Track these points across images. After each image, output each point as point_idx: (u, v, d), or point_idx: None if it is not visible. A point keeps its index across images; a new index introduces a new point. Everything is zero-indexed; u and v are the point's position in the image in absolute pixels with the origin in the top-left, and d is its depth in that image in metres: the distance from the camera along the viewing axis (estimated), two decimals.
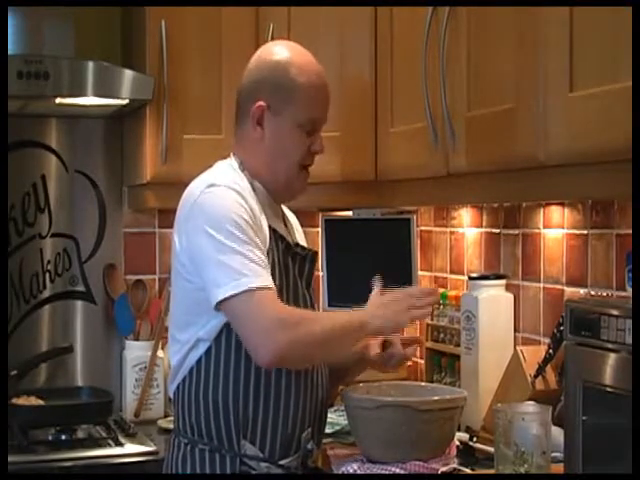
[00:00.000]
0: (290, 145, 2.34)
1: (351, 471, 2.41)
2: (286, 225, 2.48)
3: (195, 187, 2.28)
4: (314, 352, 2.25)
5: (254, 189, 2.33)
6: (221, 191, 2.23)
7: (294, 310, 2.24)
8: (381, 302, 2.31)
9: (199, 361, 2.26)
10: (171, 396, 2.39)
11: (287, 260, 2.34)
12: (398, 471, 2.35)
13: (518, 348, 2.74)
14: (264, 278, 2.18)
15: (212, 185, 2.24)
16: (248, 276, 2.16)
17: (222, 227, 2.18)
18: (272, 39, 2.99)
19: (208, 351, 2.25)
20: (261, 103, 2.33)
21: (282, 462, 2.27)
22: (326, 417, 2.43)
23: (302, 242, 2.49)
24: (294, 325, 2.17)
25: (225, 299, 2.16)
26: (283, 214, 2.49)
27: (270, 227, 2.30)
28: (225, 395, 2.24)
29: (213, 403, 2.25)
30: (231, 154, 2.40)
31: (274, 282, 2.24)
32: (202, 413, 2.26)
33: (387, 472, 2.36)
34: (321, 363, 2.37)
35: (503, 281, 2.95)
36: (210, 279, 2.19)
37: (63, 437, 2.98)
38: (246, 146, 2.37)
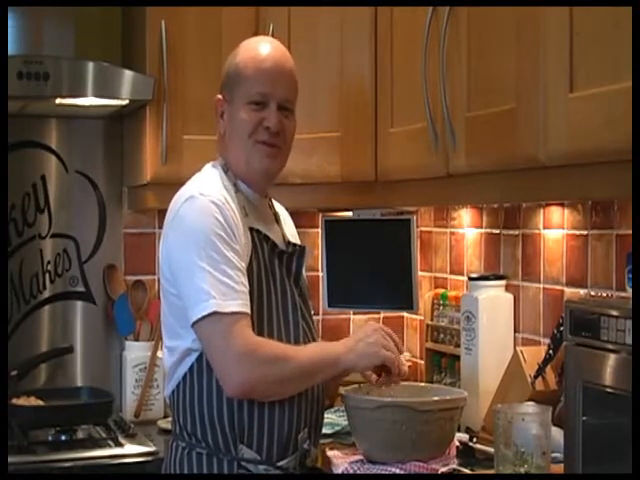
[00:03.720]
0: (241, 122, 2.34)
1: (351, 471, 2.41)
2: (278, 223, 2.47)
3: (179, 196, 2.29)
4: (283, 389, 2.23)
5: (237, 189, 2.33)
6: (200, 204, 2.22)
7: (265, 344, 2.20)
8: (356, 339, 2.29)
9: (191, 368, 2.26)
10: (167, 400, 2.39)
11: (273, 260, 2.33)
12: (398, 471, 2.35)
13: (518, 349, 2.75)
14: (236, 302, 2.17)
15: (192, 197, 2.23)
16: (216, 298, 2.15)
17: (197, 244, 2.18)
18: None
19: (199, 359, 2.25)
20: (218, 97, 2.38)
21: (280, 463, 2.27)
22: (323, 416, 2.42)
23: (294, 239, 2.49)
24: (263, 362, 2.17)
25: (195, 321, 2.17)
26: (275, 212, 2.49)
27: (253, 229, 2.30)
28: (219, 402, 2.23)
29: (208, 410, 2.24)
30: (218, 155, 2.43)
31: (261, 285, 2.25)
32: (197, 419, 2.26)
33: (387, 472, 2.36)
34: None
35: (503, 282, 2.95)
36: (184, 296, 2.21)
37: (63, 437, 2.98)
38: (221, 143, 2.40)
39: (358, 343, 2.27)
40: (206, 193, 2.24)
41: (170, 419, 2.46)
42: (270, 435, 2.25)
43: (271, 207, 2.50)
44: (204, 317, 2.16)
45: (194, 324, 2.18)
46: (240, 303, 2.17)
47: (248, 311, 2.19)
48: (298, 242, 2.49)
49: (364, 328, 2.33)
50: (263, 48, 2.37)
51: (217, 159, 2.41)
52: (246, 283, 2.21)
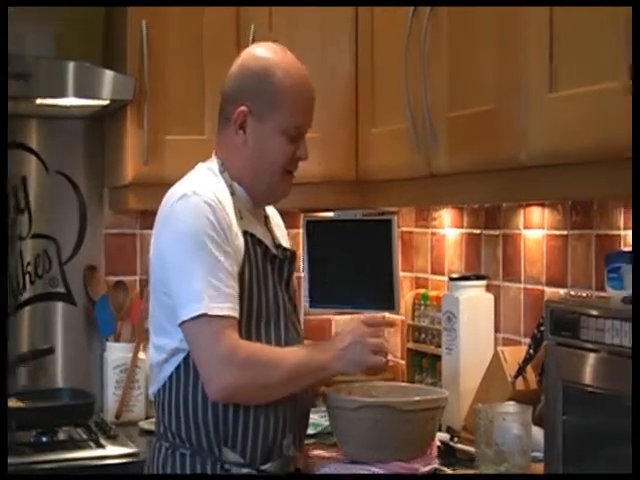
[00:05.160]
0: (273, 152, 2.31)
1: (333, 472, 2.41)
2: (267, 225, 2.46)
3: (172, 194, 2.27)
4: (267, 394, 2.23)
5: (233, 192, 2.31)
6: (193, 204, 2.20)
7: (251, 348, 2.20)
8: (342, 346, 2.27)
9: (178, 368, 2.25)
10: (152, 398, 2.38)
11: (266, 265, 2.32)
12: (379, 471, 2.35)
13: (499, 348, 2.75)
14: (225, 305, 2.16)
15: (185, 196, 2.22)
16: (206, 300, 2.14)
17: (189, 245, 2.18)
18: (253, 39, 2.98)
19: (187, 359, 2.24)
20: (243, 108, 2.30)
21: (263, 467, 2.27)
22: (308, 422, 2.42)
23: (284, 242, 2.48)
24: (247, 366, 2.17)
25: (183, 321, 2.17)
26: (265, 214, 2.48)
27: (247, 233, 2.28)
28: (205, 403, 2.23)
29: (193, 410, 2.24)
30: (213, 155, 2.39)
31: (252, 289, 2.24)
32: (182, 419, 2.25)
33: (369, 472, 2.36)
34: None
35: (484, 282, 2.95)
36: (174, 295, 2.20)
37: (44, 439, 2.97)
38: (228, 149, 2.35)
39: (345, 350, 2.26)
40: (200, 192, 2.22)
41: (152, 420, 2.46)
42: (254, 439, 2.25)
43: (263, 209, 2.48)
44: (192, 318, 2.15)
45: (182, 324, 2.17)
46: (229, 307, 2.17)
47: (237, 315, 2.18)
48: (288, 245, 2.48)
49: (351, 330, 2.32)
50: (303, 73, 2.34)
51: (211, 159, 2.38)
52: (236, 286, 2.20)
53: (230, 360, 2.15)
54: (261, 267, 2.30)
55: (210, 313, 2.14)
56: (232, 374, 2.15)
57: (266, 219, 2.46)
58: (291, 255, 2.42)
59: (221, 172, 2.33)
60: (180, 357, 2.24)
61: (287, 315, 2.34)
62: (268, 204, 2.46)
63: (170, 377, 2.26)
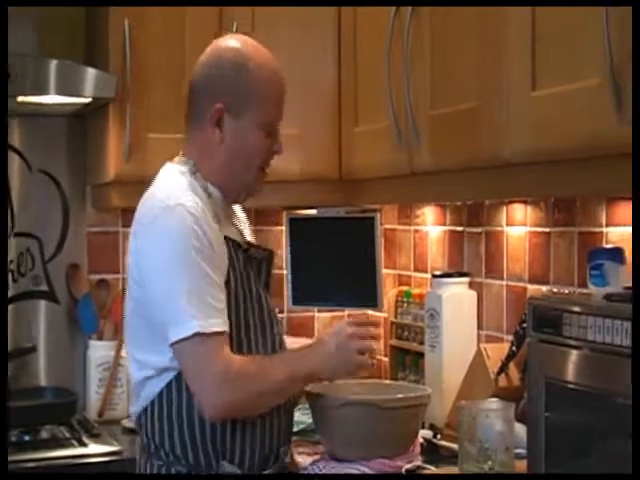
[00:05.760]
0: (252, 148, 2.26)
1: (316, 470, 2.41)
2: (233, 221, 2.38)
3: (152, 203, 2.19)
4: (259, 407, 2.20)
5: (209, 194, 2.24)
6: (179, 216, 2.12)
7: (242, 362, 2.14)
8: (329, 352, 2.23)
9: (169, 385, 2.18)
10: (135, 417, 2.29)
11: (248, 269, 2.27)
12: (363, 469, 2.36)
13: (481, 345, 2.76)
14: (218, 321, 2.11)
15: (169, 207, 2.13)
16: (198, 319, 2.08)
17: (177, 258, 2.11)
18: None
19: (179, 376, 2.17)
20: (219, 105, 2.22)
21: (260, 473, 2.24)
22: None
23: (250, 238, 2.41)
24: (240, 382, 2.12)
25: (175, 341, 2.10)
26: (232, 212, 2.41)
27: (227, 238, 2.22)
28: (201, 420, 2.16)
29: (189, 428, 2.17)
30: (180, 154, 2.31)
31: (238, 297, 2.19)
32: (177, 437, 2.18)
33: (352, 470, 2.37)
34: None
35: (466, 279, 2.96)
36: (163, 312, 2.13)
37: (26, 438, 2.96)
38: (202, 147, 2.27)
39: (332, 355, 2.23)
40: (184, 202, 2.14)
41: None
42: (252, 450, 2.21)
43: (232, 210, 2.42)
44: (185, 338, 2.09)
45: (174, 344, 2.11)
46: (221, 322, 2.12)
47: (227, 329, 2.14)
48: (253, 240, 2.42)
49: (336, 332, 2.27)
50: (276, 65, 2.28)
51: (179, 158, 2.30)
52: (224, 298, 2.15)
53: (225, 378, 2.11)
54: (244, 273, 2.25)
55: (204, 331, 2.08)
56: (227, 392, 2.12)
57: (232, 216, 2.40)
58: (269, 255, 2.38)
59: (193, 173, 2.24)
60: (171, 374, 2.17)
61: (271, 317, 2.31)
62: (241, 201, 2.39)
63: (160, 394, 2.19)
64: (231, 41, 2.30)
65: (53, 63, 2.93)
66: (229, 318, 2.16)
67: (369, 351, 2.27)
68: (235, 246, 2.25)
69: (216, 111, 2.23)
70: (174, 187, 2.21)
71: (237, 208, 2.44)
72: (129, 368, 2.31)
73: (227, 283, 2.18)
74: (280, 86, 2.29)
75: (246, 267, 2.26)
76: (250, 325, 2.24)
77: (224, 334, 2.12)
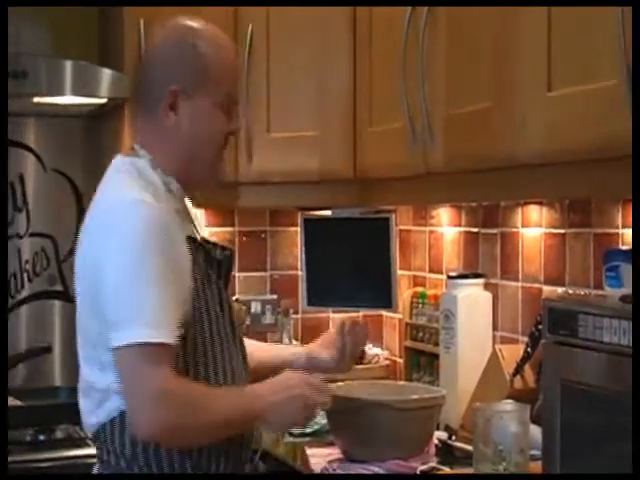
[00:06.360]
0: (209, 129, 2.11)
1: (330, 470, 2.41)
2: (192, 221, 2.22)
3: (110, 202, 2.06)
4: (197, 439, 2.02)
5: (170, 189, 2.10)
6: (143, 215, 1.98)
7: (184, 386, 1.99)
8: (280, 400, 2.06)
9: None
10: (91, 428, 2.10)
11: (208, 271, 2.11)
12: (377, 470, 2.36)
13: (497, 347, 2.75)
14: (167, 332, 1.94)
15: (130, 205, 2.00)
16: (144, 326, 1.92)
17: (135, 257, 1.95)
18: (251, 39, 2.99)
19: None
20: (173, 87, 2.08)
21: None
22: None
23: (204, 235, 2.23)
24: (179, 410, 1.95)
25: (116, 347, 1.94)
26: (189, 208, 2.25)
27: (190, 238, 2.09)
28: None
29: (155, 452, 2.03)
30: (136, 148, 2.15)
31: (200, 301, 2.06)
32: (141, 455, 2.03)
33: (367, 471, 2.36)
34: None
35: (482, 280, 2.95)
36: (112, 313, 1.97)
37: (41, 437, 2.97)
38: (156, 137, 2.12)
39: (280, 405, 2.05)
40: (147, 200, 2.01)
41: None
42: (218, 464, 2.08)
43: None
44: (126, 346, 1.92)
45: (115, 349, 1.94)
46: (170, 334, 1.94)
47: (175, 342, 1.96)
48: (209, 237, 2.25)
49: (293, 386, 2.09)
50: (225, 40, 2.17)
51: (132, 151, 2.15)
52: (183, 306, 1.99)
53: (162, 397, 1.94)
54: (205, 273, 2.10)
55: (150, 341, 1.91)
56: (163, 412, 1.94)
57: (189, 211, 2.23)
58: (230, 255, 2.20)
59: (153, 168, 2.10)
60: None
61: (234, 322, 2.18)
62: (205, 189, 2.24)
63: (121, 414, 2.02)
64: (176, 23, 2.20)
65: (68, 64, 2.94)
66: (193, 325, 2.03)
67: (322, 405, 2.14)
68: (196, 246, 2.11)
69: (169, 94, 2.09)
70: (128, 184, 2.07)
71: (189, 203, 2.25)
72: (85, 368, 2.13)
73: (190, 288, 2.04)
74: (231, 61, 2.17)
75: (206, 269, 2.12)
76: (214, 332, 2.09)
77: (171, 347, 1.95)
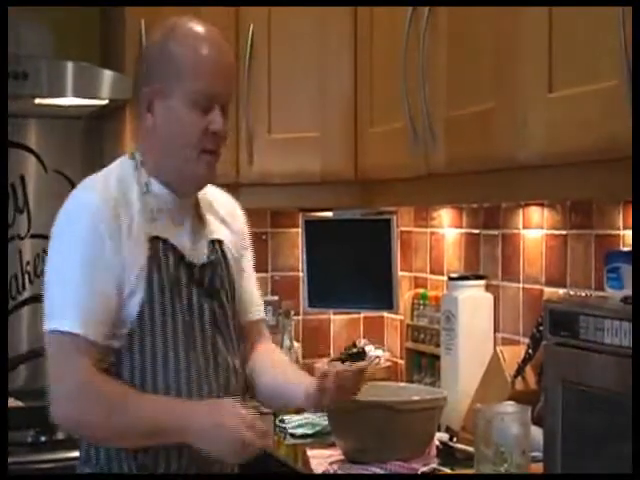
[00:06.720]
0: (182, 127, 2.07)
1: (331, 472, 2.41)
2: (201, 219, 2.19)
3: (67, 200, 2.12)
4: (106, 439, 2.01)
5: (147, 190, 2.09)
6: (83, 200, 2.06)
7: (102, 384, 1.97)
8: (207, 426, 1.96)
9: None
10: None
11: (179, 272, 2.07)
12: (378, 471, 2.36)
13: (498, 348, 2.75)
14: (89, 323, 1.95)
15: (76, 195, 2.09)
16: (66, 317, 1.96)
17: (66, 244, 2.04)
18: (252, 39, 2.99)
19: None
20: (147, 89, 2.08)
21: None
22: None
23: (219, 235, 2.20)
24: (88, 402, 1.96)
25: (48, 330, 1.99)
26: (199, 209, 2.20)
27: (158, 238, 2.06)
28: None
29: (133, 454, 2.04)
30: (136, 149, 2.19)
31: (153, 293, 2.03)
32: (102, 450, 2.06)
33: (367, 472, 2.36)
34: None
35: (483, 281, 2.95)
36: (48, 298, 2.03)
37: (43, 438, 2.97)
38: (141, 138, 2.15)
39: (206, 432, 1.96)
40: (97, 189, 2.06)
41: None
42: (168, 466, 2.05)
43: (197, 206, 2.20)
44: (47, 332, 1.98)
45: (46, 332, 1.99)
46: (81, 325, 1.95)
47: (102, 341, 1.97)
48: (220, 238, 2.20)
49: (224, 411, 1.98)
50: (204, 36, 2.11)
51: (135, 150, 2.17)
52: (108, 302, 1.99)
53: (82, 390, 1.96)
54: (173, 274, 2.06)
55: (70, 330, 1.95)
56: (79, 409, 1.96)
57: (200, 217, 2.19)
58: (216, 259, 2.16)
59: (138, 168, 2.12)
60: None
61: (211, 327, 2.11)
62: (192, 192, 2.16)
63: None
64: (163, 23, 2.18)
65: (69, 65, 2.94)
66: (150, 325, 2.03)
67: (263, 446, 1.99)
68: (167, 247, 2.07)
69: (145, 95, 2.09)
70: (99, 177, 2.14)
71: (223, 203, 2.27)
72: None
73: (149, 285, 2.02)
74: (206, 58, 2.08)
75: (177, 271, 2.08)
76: (179, 335, 2.06)
77: (93, 342, 1.96)
